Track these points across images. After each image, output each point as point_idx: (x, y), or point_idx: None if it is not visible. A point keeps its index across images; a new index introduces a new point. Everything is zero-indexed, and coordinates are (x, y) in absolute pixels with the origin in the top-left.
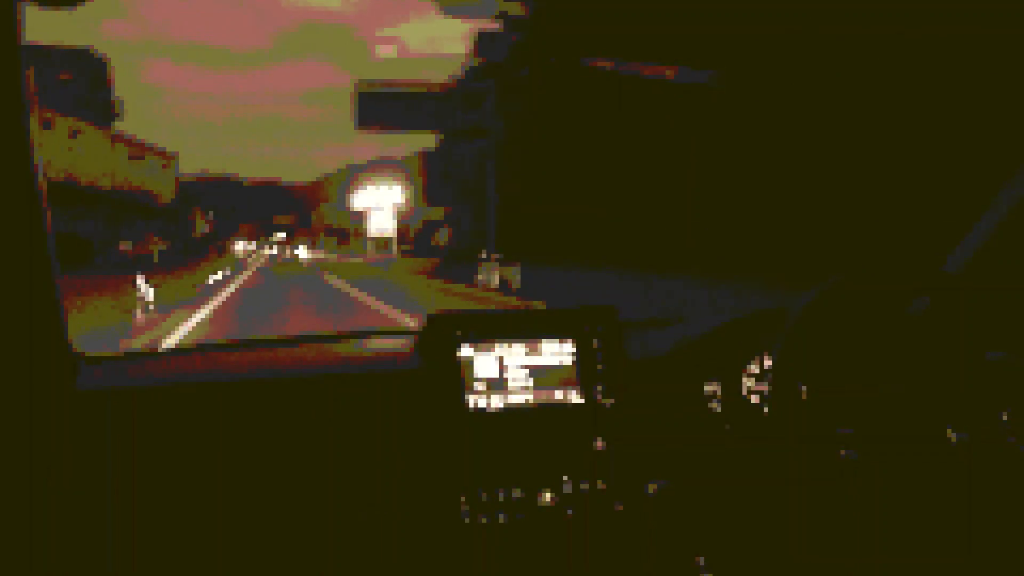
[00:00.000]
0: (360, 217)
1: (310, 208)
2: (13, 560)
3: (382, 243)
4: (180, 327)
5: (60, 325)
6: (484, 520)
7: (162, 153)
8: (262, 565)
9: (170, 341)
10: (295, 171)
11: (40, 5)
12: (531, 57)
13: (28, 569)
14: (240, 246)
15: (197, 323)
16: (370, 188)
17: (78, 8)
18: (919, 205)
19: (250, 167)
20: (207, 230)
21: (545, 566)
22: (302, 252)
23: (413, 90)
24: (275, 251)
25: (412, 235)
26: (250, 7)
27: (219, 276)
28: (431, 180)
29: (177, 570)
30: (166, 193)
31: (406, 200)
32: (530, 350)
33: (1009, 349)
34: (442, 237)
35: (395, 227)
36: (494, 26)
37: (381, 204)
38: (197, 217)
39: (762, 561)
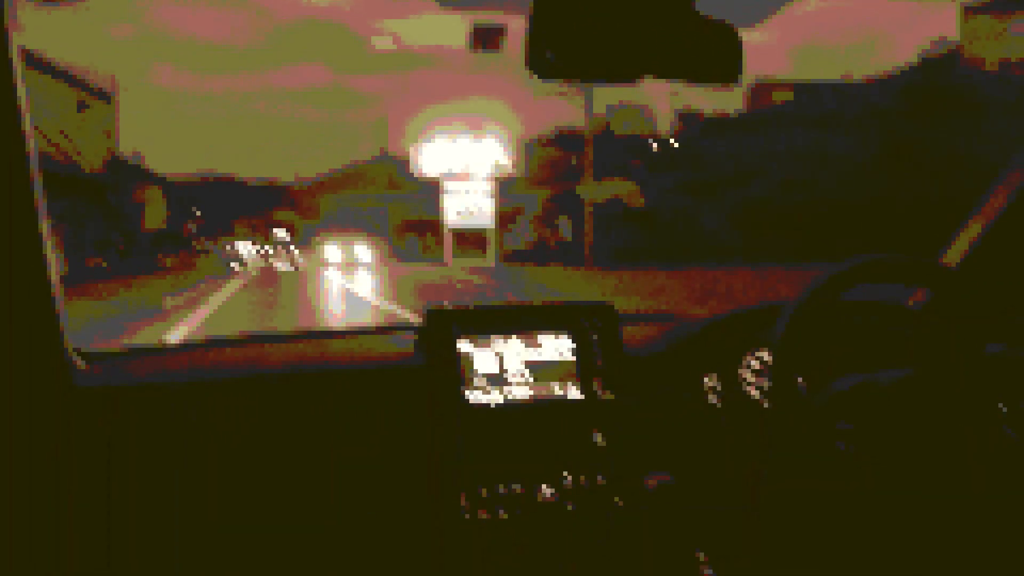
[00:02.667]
0: (416, 195)
1: (316, 202)
2: (11, 559)
3: (469, 240)
4: (182, 323)
5: (57, 321)
6: (484, 515)
7: (76, 82)
8: (262, 560)
9: (172, 337)
10: (295, 169)
11: (39, 2)
12: None
13: (28, 568)
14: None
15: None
16: (442, 142)
17: (79, 10)
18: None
19: (249, 166)
20: (190, 228)
21: (545, 561)
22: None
23: None
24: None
25: (546, 227)
26: (246, 6)
27: None
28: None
29: (177, 567)
30: (89, 155)
31: (513, 163)
32: (529, 345)
33: (1007, 341)
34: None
35: (495, 213)
36: (490, 19)
37: (469, 169)
38: (148, 201)
39: (761, 555)
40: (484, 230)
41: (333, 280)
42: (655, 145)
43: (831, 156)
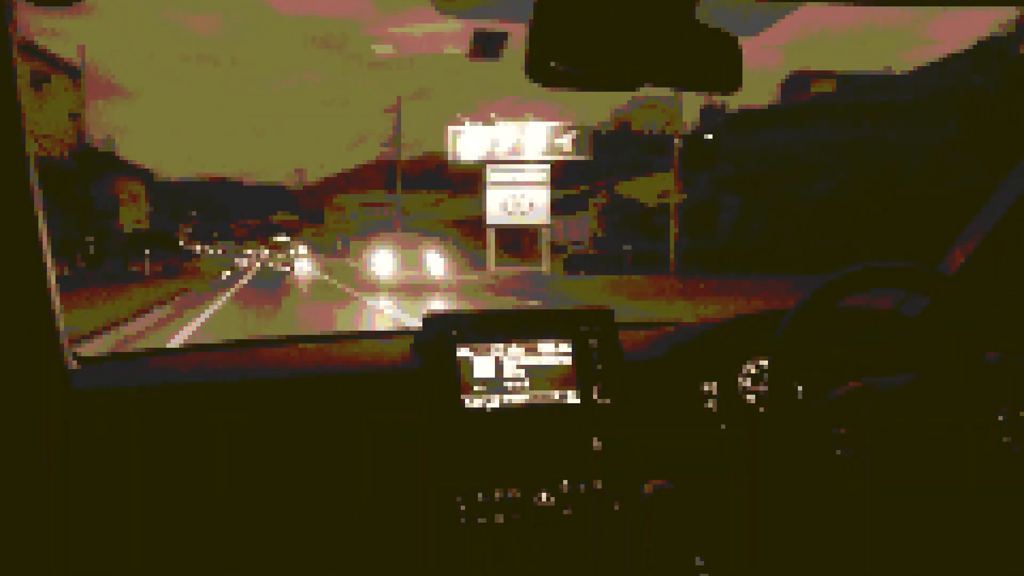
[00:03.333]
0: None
1: (320, 205)
2: (11, 560)
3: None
4: (183, 329)
5: (56, 325)
6: (481, 520)
7: (33, 51)
8: (259, 565)
9: (173, 342)
10: (296, 174)
11: (35, 4)
12: None
13: (27, 570)
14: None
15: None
16: (483, 125)
17: (78, 11)
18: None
19: (250, 168)
20: (185, 230)
21: (542, 566)
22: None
23: None
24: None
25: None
26: (249, 9)
27: None
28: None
29: (175, 568)
30: (49, 139)
31: (574, 143)
32: (527, 350)
33: (1005, 350)
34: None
35: (548, 206)
36: (492, 25)
37: (520, 151)
38: (126, 196)
39: (760, 561)
40: (533, 229)
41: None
42: (680, 140)
43: (896, 148)
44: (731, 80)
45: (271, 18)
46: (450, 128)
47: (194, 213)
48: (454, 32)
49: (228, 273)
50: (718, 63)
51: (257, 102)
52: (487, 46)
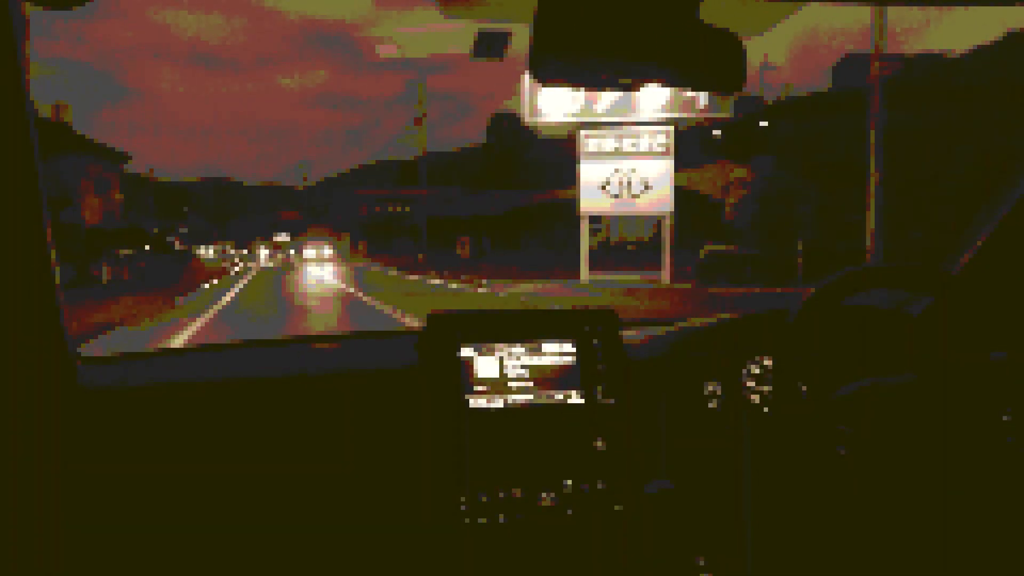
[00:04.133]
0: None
1: (324, 203)
2: (14, 558)
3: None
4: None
5: (60, 324)
6: (484, 520)
7: None
8: (261, 564)
9: (175, 342)
10: (297, 174)
11: (40, 5)
12: None
13: (30, 567)
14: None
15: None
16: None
17: (76, 10)
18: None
19: (252, 167)
20: (182, 229)
21: (545, 566)
22: None
23: None
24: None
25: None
26: (250, 11)
27: None
28: None
29: (178, 567)
30: None
31: (709, 96)
32: (531, 350)
33: (1009, 348)
34: None
35: (672, 185)
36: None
37: (632, 107)
38: (90, 185)
39: (762, 561)
40: (661, 216)
41: None
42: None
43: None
44: (734, 79)
45: (274, 16)
46: (526, 76)
47: (185, 209)
48: (457, 32)
49: (216, 281)
50: (721, 62)
51: (258, 101)
52: (491, 46)
